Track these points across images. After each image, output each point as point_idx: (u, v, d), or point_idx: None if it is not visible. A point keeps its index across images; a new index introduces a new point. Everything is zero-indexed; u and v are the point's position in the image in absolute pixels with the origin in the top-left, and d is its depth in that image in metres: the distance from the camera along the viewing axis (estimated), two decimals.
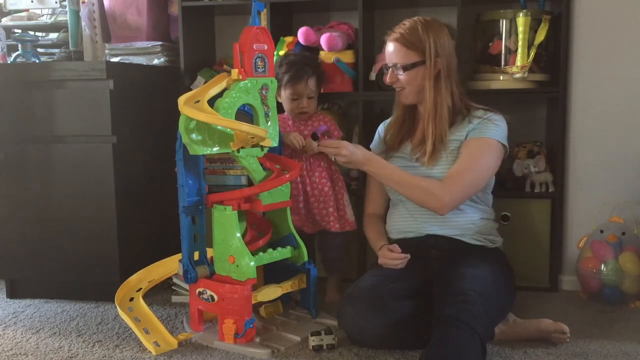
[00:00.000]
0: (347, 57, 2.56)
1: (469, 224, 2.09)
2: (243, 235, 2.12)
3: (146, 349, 2.02)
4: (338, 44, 2.52)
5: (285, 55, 2.46)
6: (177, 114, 1.96)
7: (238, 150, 2.04)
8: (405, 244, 2.09)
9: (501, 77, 2.47)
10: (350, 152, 2.00)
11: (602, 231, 2.38)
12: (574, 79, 2.47)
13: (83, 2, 2.89)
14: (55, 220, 2.44)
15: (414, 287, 2.00)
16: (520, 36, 2.41)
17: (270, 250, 2.11)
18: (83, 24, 2.91)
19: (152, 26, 2.83)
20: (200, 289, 2.07)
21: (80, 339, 2.12)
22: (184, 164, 2.04)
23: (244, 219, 2.18)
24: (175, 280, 2.39)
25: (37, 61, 2.69)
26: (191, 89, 2.49)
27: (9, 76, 2.43)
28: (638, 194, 2.43)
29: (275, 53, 2.45)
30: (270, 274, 2.21)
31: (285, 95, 2.34)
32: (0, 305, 2.48)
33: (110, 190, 2.38)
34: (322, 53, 2.56)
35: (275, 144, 2.13)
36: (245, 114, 2.11)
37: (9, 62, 2.79)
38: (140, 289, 2.22)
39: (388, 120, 2.29)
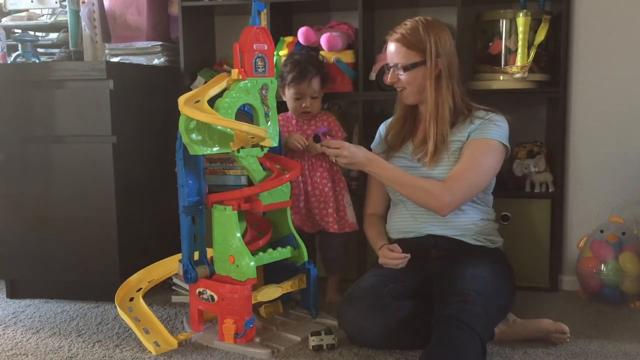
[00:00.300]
0: (347, 57, 2.56)
1: (469, 224, 2.09)
2: (243, 235, 2.12)
3: (146, 349, 2.02)
4: (338, 44, 2.52)
5: (291, 54, 2.47)
6: (177, 114, 1.96)
7: (238, 150, 2.04)
8: (406, 244, 2.09)
9: (501, 77, 2.47)
10: (351, 153, 2.00)
11: (602, 231, 2.38)
12: (574, 79, 2.47)
13: (83, 2, 2.89)
14: (55, 220, 2.44)
15: (414, 287, 2.00)
16: (520, 36, 2.41)
17: (270, 250, 2.11)
18: (83, 24, 2.91)
19: (152, 26, 2.83)
20: (200, 289, 2.07)
21: (80, 339, 2.12)
22: (184, 164, 2.04)
23: (244, 219, 2.18)
24: (175, 280, 2.39)
25: (37, 61, 2.69)
26: (191, 89, 2.49)
27: (9, 76, 2.43)
28: (638, 194, 2.43)
29: (275, 53, 2.45)
30: (270, 274, 2.21)
31: (288, 95, 2.35)
32: (0, 305, 2.48)
33: (110, 190, 2.38)
34: (322, 53, 2.56)
35: (275, 144, 2.13)
36: (245, 114, 2.11)
37: (9, 62, 2.79)
38: (140, 289, 2.22)
39: (389, 120, 2.29)
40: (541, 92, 2.54)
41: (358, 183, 2.56)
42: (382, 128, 2.32)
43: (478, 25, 2.56)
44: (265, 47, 2.06)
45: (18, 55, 2.69)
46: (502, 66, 2.48)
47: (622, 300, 2.34)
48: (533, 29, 2.42)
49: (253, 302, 2.03)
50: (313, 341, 1.97)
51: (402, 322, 1.91)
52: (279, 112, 2.17)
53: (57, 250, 2.45)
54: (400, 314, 1.91)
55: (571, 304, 2.38)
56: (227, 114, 1.98)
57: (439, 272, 1.99)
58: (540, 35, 2.41)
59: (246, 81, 2.02)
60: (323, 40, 2.51)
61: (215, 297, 2.03)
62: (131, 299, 2.20)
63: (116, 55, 2.80)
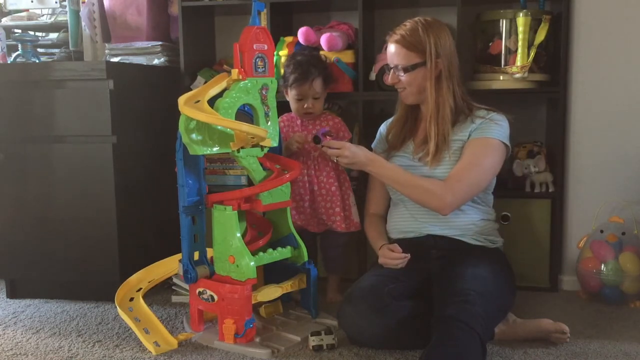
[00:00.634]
0: (347, 57, 2.56)
1: (469, 224, 2.09)
2: (243, 235, 2.12)
3: (146, 349, 2.01)
4: (338, 44, 2.52)
5: (293, 54, 2.46)
6: (177, 114, 1.96)
7: (238, 150, 2.04)
8: (406, 244, 2.09)
9: (501, 77, 2.47)
10: (352, 153, 2.00)
11: (602, 231, 2.38)
12: (574, 79, 2.47)
13: (83, 2, 2.89)
14: (55, 220, 2.44)
15: (414, 287, 2.00)
16: (520, 36, 2.41)
17: (270, 250, 2.11)
18: (83, 24, 2.91)
19: (152, 26, 2.83)
20: (200, 289, 2.07)
21: (80, 339, 2.12)
22: (184, 164, 2.04)
23: (244, 219, 2.18)
24: (175, 280, 2.39)
25: (37, 61, 2.69)
26: (191, 89, 2.49)
27: (9, 76, 2.43)
28: (638, 194, 2.43)
29: (275, 53, 2.45)
30: (270, 274, 2.21)
31: (291, 95, 2.36)
32: (0, 305, 2.48)
33: (110, 190, 2.38)
34: (322, 53, 2.56)
35: (275, 144, 2.13)
36: (245, 114, 2.11)
37: (9, 62, 2.79)
38: (140, 289, 2.22)
39: (390, 120, 2.29)
40: (541, 92, 2.54)
41: (358, 183, 2.55)
42: (382, 127, 2.32)
43: (478, 25, 2.56)
44: (265, 47, 2.06)
45: (18, 55, 2.69)
46: (502, 66, 2.48)
47: (622, 300, 2.34)
48: (533, 29, 2.42)
49: (253, 302, 2.03)
50: (313, 341, 1.97)
51: (402, 322, 1.90)
52: (282, 112, 2.17)
53: (57, 250, 2.45)
54: (400, 314, 1.91)
55: (571, 304, 2.38)
56: (227, 114, 1.98)
57: (439, 272, 1.99)
58: (540, 35, 2.41)
59: (246, 81, 2.02)
60: (323, 40, 2.51)
61: (215, 297, 2.03)
62: (131, 299, 2.20)
63: (116, 55, 2.80)
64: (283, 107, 2.34)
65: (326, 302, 2.35)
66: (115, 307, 2.16)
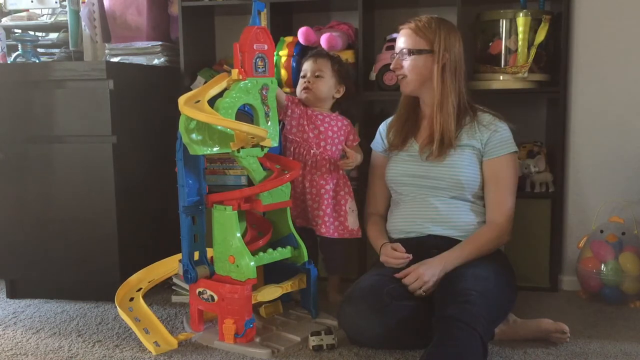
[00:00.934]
0: (347, 57, 2.56)
1: (470, 225, 2.09)
2: (243, 235, 2.12)
3: (146, 349, 2.01)
4: (338, 44, 2.52)
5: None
6: (177, 114, 1.96)
7: (238, 150, 2.04)
8: (407, 244, 2.09)
9: (501, 77, 2.47)
10: (429, 274, 1.96)
11: (602, 231, 2.38)
12: (574, 79, 2.47)
13: (83, 2, 2.89)
14: (55, 220, 2.44)
15: None
16: (520, 36, 2.41)
17: (270, 250, 2.11)
18: (83, 24, 2.91)
19: (152, 26, 2.83)
20: (200, 289, 2.07)
21: (80, 339, 2.12)
22: (184, 164, 2.04)
23: (244, 219, 2.18)
24: (175, 280, 2.39)
25: (37, 61, 2.69)
26: (191, 89, 2.49)
27: (9, 76, 2.43)
28: (638, 194, 2.43)
29: (275, 53, 2.45)
30: (270, 274, 2.21)
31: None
32: (0, 305, 2.48)
33: (110, 190, 2.38)
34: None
35: (275, 144, 2.13)
36: (246, 114, 2.11)
37: (9, 62, 2.79)
38: (140, 289, 2.22)
39: (389, 119, 2.30)
40: (541, 92, 2.54)
41: (358, 183, 2.55)
42: (382, 127, 2.32)
43: (478, 25, 2.56)
44: (266, 47, 2.06)
45: (18, 55, 2.69)
46: (502, 66, 2.48)
47: (622, 300, 2.34)
48: (533, 29, 2.42)
49: (253, 302, 2.03)
50: (313, 341, 1.97)
51: (402, 322, 1.90)
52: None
53: (57, 250, 2.45)
54: (400, 314, 1.91)
55: (571, 304, 2.38)
56: (227, 114, 1.98)
57: None
58: (540, 35, 2.41)
59: (246, 81, 2.02)
60: (323, 40, 2.51)
61: (215, 297, 2.03)
62: (131, 299, 2.19)
63: (116, 55, 2.80)
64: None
65: (326, 302, 2.34)
66: (115, 307, 2.16)
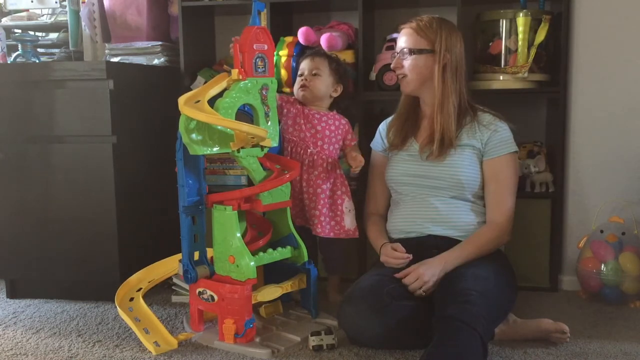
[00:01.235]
0: (347, 57, 2.56)
1: (470, 225, 2.09)
2: (243, 235, 2.12)
3: (146, 349, 2.01)
4: (338, 44, 2.52)
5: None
6: (177, 114, 1.96)
7: (238, 150, 2.04)
8: (407, 244, 2.09)
9: (501, 77, 2.47)
10: (429, 274, 1.96)
11: (602, 231, 2.37)
12: (574, 79, 2.47)
13: (83, 2, 2.89)
14: (55, 220, 2.44)
15: None
16: (520, 36, 2.41)
17: (270, 250, 2.11)
18: (83, 24, 2.91)
19: (152, 26, 2.83)
20: (200, 289, 2.07)
21: (80, 339, 2.12)
22: (184, 164, 2.04)
23: (244, 219, 2.18)
24: (175, 280, 2.39)
25: (37, 61, 2.69)
26: (191, 89, 2.49)
27: (9, 76, 2.43)
28: (638, 194, 2.43)
29: (275, 53, 2.45)
30: (270, 274, 2.21)
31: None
32: (0, 305, 2.48)
33: (110, 190, 2.38)
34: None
35: (275, 144, 2.13)
36: (245, 114, 2.11)
37: (9, 62, 2.79)
38: (140, 289, 2.22)
39: (389, 119, 2.30)
40: (541, 92, 2.54)
41: (358, 183, 2.55)
42: (382, 127, 2.32)
43: (478, 25, 2.56)
44: (265, 47, 2.06)
45: (18, 55, 2.69)
46: (502, 66, 2.48)
47: (622, 300, 2.34)
48: (533, 29, 2.42)
49: (253, 302, 2.03)
50: (313, 341, 1.97)
51: (402, 322, 1.90)
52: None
53: (57, 250, 2.45)
54: (400, 314, 1.91)
55: (571, 304, 2.38)
56: (227, 114, 1.98)
57: None
58: (540, 35, 2.41)
59: (246, 81, 2.02)
60: (323, 40, 2.51)
61: (215, 297, 2.03)
62: (131, 299, 2.19)
63: (116, 55, 2.80)
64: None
65: (326, 302, 2.34)
66: (115, 307, 2.16)
